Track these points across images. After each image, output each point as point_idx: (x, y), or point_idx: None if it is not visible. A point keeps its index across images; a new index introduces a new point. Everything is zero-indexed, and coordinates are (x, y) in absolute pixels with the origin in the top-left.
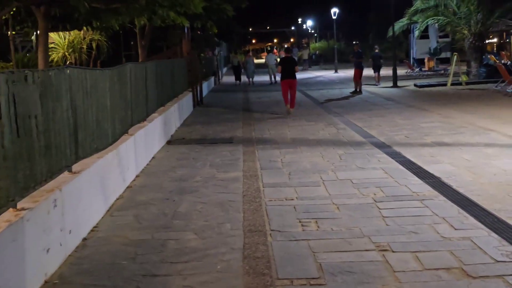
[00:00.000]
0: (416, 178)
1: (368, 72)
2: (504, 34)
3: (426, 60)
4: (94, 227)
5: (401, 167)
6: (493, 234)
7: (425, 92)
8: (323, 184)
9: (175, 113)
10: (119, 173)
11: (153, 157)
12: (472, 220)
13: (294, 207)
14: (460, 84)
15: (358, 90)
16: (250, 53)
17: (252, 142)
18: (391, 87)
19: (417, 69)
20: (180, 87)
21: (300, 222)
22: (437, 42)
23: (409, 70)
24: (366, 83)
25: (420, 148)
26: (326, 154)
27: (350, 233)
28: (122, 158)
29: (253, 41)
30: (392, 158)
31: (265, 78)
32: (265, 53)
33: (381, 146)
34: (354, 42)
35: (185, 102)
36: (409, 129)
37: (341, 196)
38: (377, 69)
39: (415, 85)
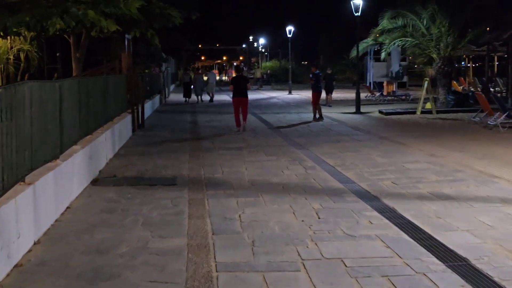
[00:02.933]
0: (434, 259)
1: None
2: (467, 59)
3: (385, 84)
4: None
5: (404, 235)
6: None
7: (393, 120)
8: (303, 267)
9: (107, 142)
10: None
11: (68, 207)
12: None
13: None
14: (429, 112)
15: (318, 116)
16: (200, 70)
17: (200, 184)
18: (354, 113)
19: (378, 94)
20: (117, 109)
21: None
22: (400, 65)
23: (368, 95)
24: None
25: (418, 202)
26: (298, 209)
27: None
28: (6, 223)
29: (202, 58)
30: (388, 218)
31: (218, 97)
32: (216, 71)
33: (367, 197)
34: (313, 63)
35: (122, 126)
36: (393, 171)
37: None
38: (329, 90)
39: (380, 111)
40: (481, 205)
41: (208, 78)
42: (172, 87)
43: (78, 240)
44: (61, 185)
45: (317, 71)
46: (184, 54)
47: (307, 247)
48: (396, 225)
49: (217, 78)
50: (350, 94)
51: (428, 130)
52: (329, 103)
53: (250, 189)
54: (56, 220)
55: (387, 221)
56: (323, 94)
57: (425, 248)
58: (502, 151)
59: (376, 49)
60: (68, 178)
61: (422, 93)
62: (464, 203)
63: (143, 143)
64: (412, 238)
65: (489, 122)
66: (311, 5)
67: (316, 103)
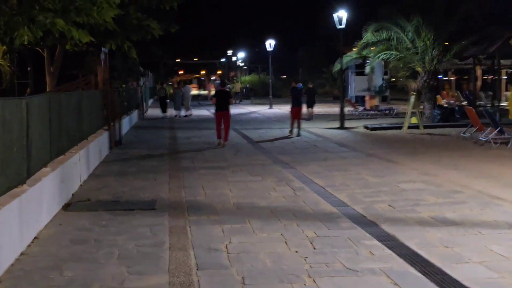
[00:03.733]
0: None
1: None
2: (449, 73)
3: (367, 98)
4: None
5: (411, 269)
6: None
7: (379, 136)
8: None
9: (81, 162)
10: None
11: (36, 237)
12: None
13: None
14: (416, 127)
15: (291, 130)
16: (180, 84)
17: (182, 209)
18: (338, 128)
19: (361, 108)
20: (92, 126)
21: None
22: (383, 79)
23: (351, 109)
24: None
25: (420, 228)
26: (290, 237)
27: None
28: None
29: (181, 72)
30: (390, 248)
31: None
32: (195, 85)
33: (363, 222)
34: (293, 77)
35: (98, 144)
36: (387, 192)
37: None
38: (310, 105)
39: (365, 127)
40: (489, 232)
41: (183, 93)
42: (150, 101)
43: (45, 278)
44: (27, 213)
45: (299, 85)
46: (162, 68)
47: (305, 284)
48: (401, 257)
49: (196, 92)
50: (331, 109)
51: (417, 146)
52: (311, 117)
53: (236, 214)
54: (21, 254)
55: (389, 251)
56: (304, 109)
57: (437, 285)
58: (499, 169)
59: (357, 63)
60: (36, 205)
61: (409, 108)
62: (470, 229)
63: (120, 161)
64: (421, 272)
65: (480, 138)
66: (290, 19)
67: (297, 118)
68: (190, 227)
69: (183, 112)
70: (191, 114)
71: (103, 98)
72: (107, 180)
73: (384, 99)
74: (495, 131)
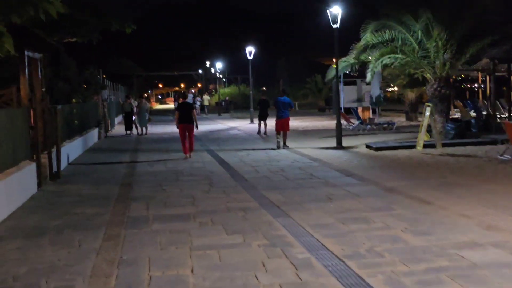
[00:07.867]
0: None
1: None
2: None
3: (360, 111)
4: None
5: None
6: None
7: (390, 158)
8: None
9: None
10: None
11: None
12: None
13: None
14: (431, 146)
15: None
16: (143, 98)
17: None
18: (335, 148)
19: (358, 122)
20: (6, 159)
21: None
22: (380, 88)
23: (345, 123)
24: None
25: None
26: None
27: None
28: None
29: (160, 85)
30: None
31: (161, 129)
32: (171, 98)
33: None
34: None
35: (13, 184)
36: (453, 273)
37: None
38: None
39: (368, 146)
40: None
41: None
42: (120, 117)
43: None
44: None
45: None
46: (136, 81)
47: None
48: None
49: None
50: (319, 122)
51: (445, 174)
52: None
53: None
54: None
55: None
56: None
57: None
58: None
59: (347, 71)
60: None
61: (424, 122)
62: None
63: (45, 207)
64: None
65: None
66: (269, 29)
67: (282, 130)
68: None
69: (144, 130)
70: (143, 134)
71: (29, 119)
72: (5, 248)
73: (373, 111)
74: None
